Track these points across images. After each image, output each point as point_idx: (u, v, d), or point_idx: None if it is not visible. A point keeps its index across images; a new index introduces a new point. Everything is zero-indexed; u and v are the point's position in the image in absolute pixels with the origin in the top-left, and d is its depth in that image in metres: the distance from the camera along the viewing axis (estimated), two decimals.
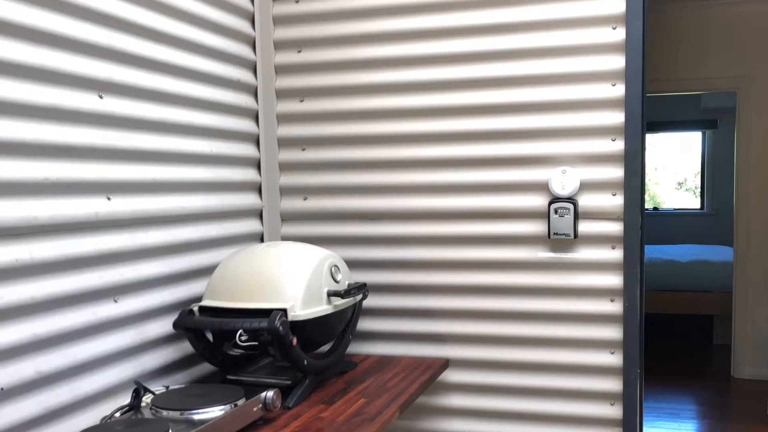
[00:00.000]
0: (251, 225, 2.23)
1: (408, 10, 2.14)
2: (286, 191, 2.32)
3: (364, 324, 2.28)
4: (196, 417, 1.43)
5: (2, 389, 1.31)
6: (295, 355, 1.70)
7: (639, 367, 2.03)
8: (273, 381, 1.79)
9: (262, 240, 2.31)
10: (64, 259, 1.47)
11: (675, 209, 8.52)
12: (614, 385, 2.07)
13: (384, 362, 2.13)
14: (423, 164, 2.18)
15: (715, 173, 8.18)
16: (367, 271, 2.26)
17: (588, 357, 2.09)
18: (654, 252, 6.55)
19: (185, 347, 1.89)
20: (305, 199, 2.30)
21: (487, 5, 2.08)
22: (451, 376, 2.21)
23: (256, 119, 2.27)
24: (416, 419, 2.25)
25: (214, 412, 1.44)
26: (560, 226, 2.03)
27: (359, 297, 1.97)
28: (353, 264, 2.27)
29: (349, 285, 1.90)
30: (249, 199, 2.21)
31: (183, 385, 1.66)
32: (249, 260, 1.81)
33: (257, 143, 2.27)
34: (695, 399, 4.59)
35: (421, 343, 2.23)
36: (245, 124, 2.19)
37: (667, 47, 4.96)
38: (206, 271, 1.99)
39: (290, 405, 1.69)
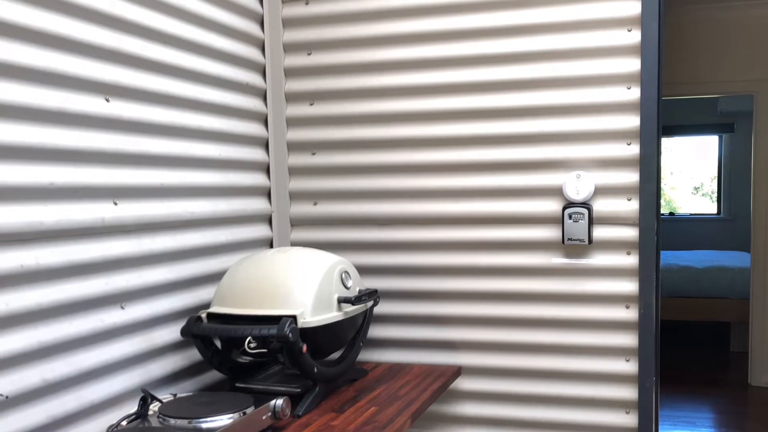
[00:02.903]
0: (260, 230, 2.21)
1: (419, 12, 2.13)
2: (296, 196, 2.30)
3: (375, 331, 2.26)
4: (204, 425, 1.42)
5: (7, 397, 1.30)
6: (305, 362, 1.68)
7: (655, 374, 2.01)
8: (282, 389, 1.78)
9: (271, 245, 2.29)
10: (70, 265, 1.45)
11: (691, 214, 8.46)
12: (629, 392, 2.05)
13: (395, 370, 2.11)
14: (435, 168, 2.16)
15: (732, 178, 8.12)
16: (378, 277, 2.24)
17: (603, 364, 2.06)
18: (670, 258, 6.50)
19: (193, 354, 1.87)
20: (315, 204, 2.28)
21: (500, 7, 2.06)
22: (464, 383, 2.19)
23: (266, 123, 2.26)
24: (428, 428, 2.23)
25: (223, 420, 1.43)
26: (574, 231, 2.01)
27: (370, 303, 1.95)
28: (364, 270, 2.25)
29: (359, 291, 1.89)
30: (258, 204, 2.20)
31: (191, 393, 1.65)
32: (258, 266, 1.79)
33: (266, 147, 2.26)
34: (712, 407, 4.54)
35: (433, 351, 2.21)
36: (254, 128, 2.18)
37: (683, 50, 4.92)
38: (214, 278, 1.97)
39: (300, 413, 1.67)
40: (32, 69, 1.36)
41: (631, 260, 2.02)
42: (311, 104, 2.25)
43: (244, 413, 1.46)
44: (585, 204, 2.02)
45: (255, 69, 2.18)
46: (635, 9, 1.96)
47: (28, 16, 1.34)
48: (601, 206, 2.03)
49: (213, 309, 1.77)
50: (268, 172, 2.27)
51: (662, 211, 8.43)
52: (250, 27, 2.14)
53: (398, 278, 2.22)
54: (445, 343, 2.19)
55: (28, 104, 1.35)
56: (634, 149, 1.99)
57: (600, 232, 2.04)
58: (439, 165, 2.16)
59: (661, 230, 2.07)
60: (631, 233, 2.01)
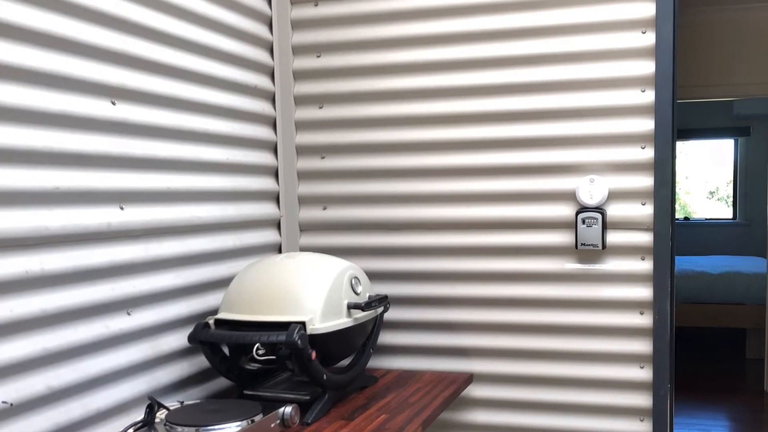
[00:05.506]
0: (269, 235, 2.20)
1: (430, 13, 2.11)
2: (305, 200, 2.28)
3: (386, 337, 2.24)
4: None
5: (11, 405, 1.29)
6: (314, 369, 1.66)
7: (669, 381, 1.99)
8: (291, 396, 1.77)
9: (280, 251, 2.28)
10: (75, 271, 1.44)
11: (706, 219, 8.41)
12: (644, 400, 2.02)
13: (406, 377, 2.09)
14: (446, 173, 2.14)
15: (748, 182, 8.06)
16: (388, 282, 2.22)
17: (617, 371, 2.04)
18: (685, 263, 6.46)
19: (200, 361, 1.86)
20: (324, 208, 2.27)
21: (512, 9, 2.04)
22: (476, 391, 2.16)
23: (274, 126, 2.24)
24: None
25: (231, 428, 1.43)
26: (588, 236, 1.99)
27: (380, 310, 1.94)
28: (374, 275, 2.23)
29: (369, 297, 1.87)
30: (266, 209, 2.18)
31: (198, 401, 1.64)
32: (266, 272, 1.78)
33: (275, 151, 2.25)
34: (727, 415, 4.50)
35: (444, 357, 2.18)
36: (263, 132, 2.16)
37: (698, 52, 4.88)
38: (222, 283, 1.96)
39: (309, 421, 1.65)
40: (37, 71, 1.34)
41: (646, 266, 1.99)
42: (320, 107, 2.24)
43: (253, 421, 1.46)
44: (598, 208, 1.99)
45: (263, 71, 2.17)
46: (649, 11, 1.93)
47: (32, 18, 1.33)
48: (614, 211, 2.01)
49: (221, 315, 1.75)
50: (276, 176, 2.26)
51: (677, 216, 8.38)
52: (259, 29, 2.13)
53: (409, 284, 2.20)
54: (457, 349, 2.17)
55: (33, 107, 1.33)
56: (648, 153, 1.97)
57: (614, 237, 2.01)
58: (451, 169, 2.14)
59: (675, 235, 2.04)
60: (645, 238, 1.99)
